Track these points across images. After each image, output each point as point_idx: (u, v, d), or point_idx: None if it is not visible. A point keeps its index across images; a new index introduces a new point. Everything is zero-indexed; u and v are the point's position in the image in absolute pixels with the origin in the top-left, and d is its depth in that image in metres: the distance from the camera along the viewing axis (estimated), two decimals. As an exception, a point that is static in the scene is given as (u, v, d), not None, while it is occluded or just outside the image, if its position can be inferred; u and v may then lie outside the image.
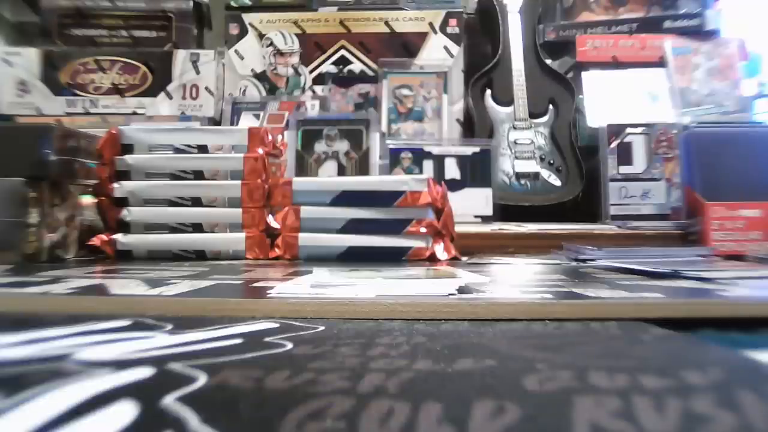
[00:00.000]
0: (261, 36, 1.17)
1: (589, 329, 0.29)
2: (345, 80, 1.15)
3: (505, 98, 1.13)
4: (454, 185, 0.98)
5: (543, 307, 0.33)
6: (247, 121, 1.11)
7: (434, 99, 1.13)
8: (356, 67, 1.16)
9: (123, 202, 0.69)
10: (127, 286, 0.41)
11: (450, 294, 0.37)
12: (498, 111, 1.12)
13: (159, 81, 1.10)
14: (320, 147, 1.05)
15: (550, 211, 1.03)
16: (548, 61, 1.17)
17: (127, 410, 0.17)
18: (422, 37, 1.16)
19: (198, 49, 1.13)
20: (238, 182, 0.69)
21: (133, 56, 1.11)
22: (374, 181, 0.74)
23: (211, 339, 0.27)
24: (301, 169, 1.04)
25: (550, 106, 1.12)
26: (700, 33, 1.13)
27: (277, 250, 0.67)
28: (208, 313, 0.33)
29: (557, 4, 1.22)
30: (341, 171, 1.04)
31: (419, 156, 1.01)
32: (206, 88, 1.10)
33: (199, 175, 0.70)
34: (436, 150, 1.02)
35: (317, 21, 1.17)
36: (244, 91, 1.16)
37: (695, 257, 0.68)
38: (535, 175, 1.07)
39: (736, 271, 0.54)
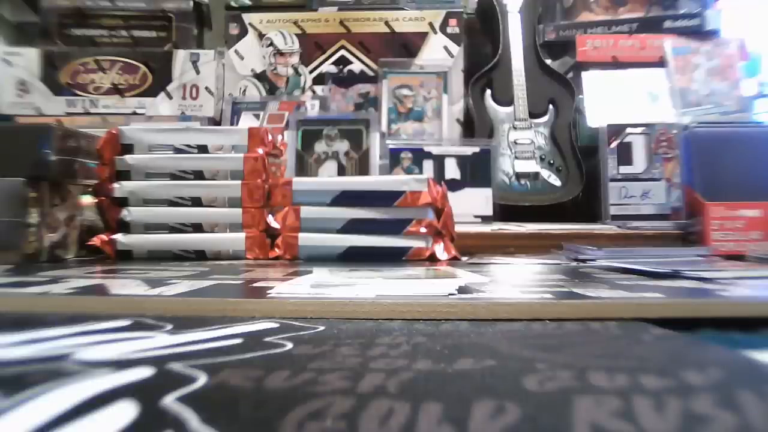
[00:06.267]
0: (261, 36, 1.17)
1: (589, 329, 0.29)
2: (345, 80, 1.15)
3: (505, 98, 1.13)
4: (454, 185, 0.98)
5: (543, 307, 0.33)
6: (247, 121, 1.11)
7: (434, 99, 1.13)
8: (356, 67, 1.16)
9: (123, 202, 0.69)
10: (127, 286, 0.41)
11: (450, 294, 0.37)
12: (498, 111, 1.12)
13: (159, 81, 1.10)
14: (320, 147, 1.05)
15: (550, 211, 1.03)
16: (548, 61, 1.17)
17: (127, 410, 0.17)
18: (422, 37, 1.16)
19: (198, 49, 1.13)
20: (238, 182, 0.69)
21: (133, 56, 1.11)
22: (374, 181, 0.74)
23: (211, 339, 0.27)
24: (301, 169, 1.04)
25: (550, 106, 1.12)
26: (700, 33, 1.13)
27: (277, 250, 0.67)
28: (208, 313, 0.33)
29: (557, 4, 1.22)
30: (341, 171, 1.04)
31: (419, 156, 1.01)
32: (206, 88, 1.10)
33: (199, 175, 0.70)
34: (436, 150, 1.02)
35: (317, 21, 1.17)
36: (244, 91, 1.16)
37: (695, 257, 0.68)
38: (535, 175, 1.07)
39: (736, 271, 0.54)
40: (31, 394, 0.18)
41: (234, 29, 1.18)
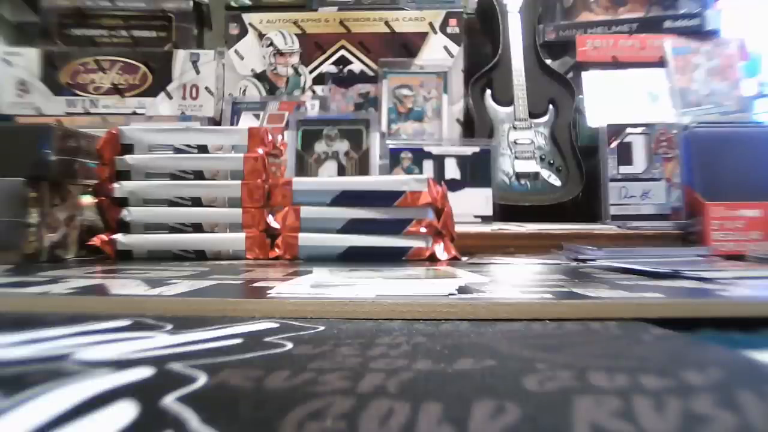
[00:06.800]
0: (261, 36, 1.17)
1: (589, 329, 0.29)
2: (345, 80, 1.15)
3: (505, 98, 1.13)
4: (454, 185, 0.98)
5: (543, 307, 0.33)
6: (247, 121, 1.11)
7: (434, 99, 1.13)
8: (356, 67, 1.16)
9: (123, 202, 0.69)
10: (127, 286, 0.41)
11: (450, 294, 0.37)
12: (498, 111, 1.12)
13: (159, 81, 1.10)
14: (320, 147, 1.05)
15: (550, 211, 1.03)
16: (548, 61, 1.17)
17: (127, 410, 0.17)
18: (422, 37, 1.16)
19: (198, 49, 1.13)
20: (238, 182, 0.69)
21: (133, 56, 1.11)
22: (374, 181, 0.74)
23: (211, 339, 0.27)
24: (301, 169, 1.04)
25: (550, 106, 1.12)
26: (700, 33, 1.13)
27: (277, 250, 0.67)
28: (208, 313, 0.33)
29: (557, 4, 1.22)
30: (341, 171, 1.04)
31: (419, 156, 1.01)
32: (206, 88, 1.10)
33: (199, 175, 0.70)
34: (436, 150, 1.02)
35: (317, 21, 1.17)
36: (244, 91, 1.16)
37: (695, 257, 0.68)
38: (535, 175, 1.07)
39: (736, 271, 0.54)
40: (31, 394, 0.18)
41: (234, 29, 1.18)
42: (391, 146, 1.02)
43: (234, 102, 1.13)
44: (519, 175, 1.07)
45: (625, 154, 0.97)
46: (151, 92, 1.10)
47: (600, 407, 0.17)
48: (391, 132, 1.12)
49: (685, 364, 0.22)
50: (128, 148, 0.70)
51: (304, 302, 0.34)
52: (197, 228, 0.69)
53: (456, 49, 1.16)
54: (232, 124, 1.11)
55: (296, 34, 1.17)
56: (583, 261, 0.63)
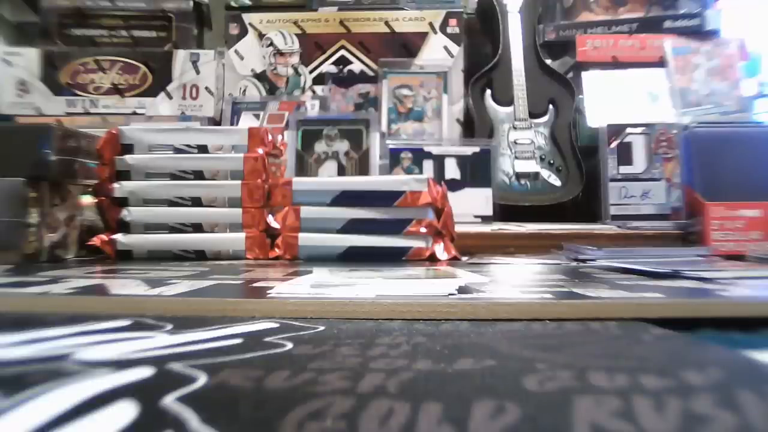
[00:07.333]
0: (261, 36, 1.17)
1: (589, 329, 0.29)
2: (345, 80, 1.15)
3: (505, 98, 1.13)
4: (454, 185, 0.98)
5: (543, 307, 0.33)
6: (247, 121, 1.11)
7: (434, 99, 1.13)
8: (356, 67, 1.16)
9: (123, 202, 0.69)
10: (127, 286, 0.41)
11: (450, 294, 0.37)
12: (498, 111, 1.12)
13: (159, 81, 1.10)
14: (320, 147, 1.05)
15: (550, 211, 1.03)
16: (548, 61, 1.17)
17: (127, 410, 0.17)
18: (422, 37, 1.16)
19: (198, 49, 1.13)
20: (238, 182, 0.69)
21: (133, 56, 1.11)
22: (374, 181, 0.74)
23: (211, 339, 0.27)
24: (301, 169, 1.04)
25: (550, 106, 1.12)
26: (700, 33, 1.13)
27: (277, 250, 0.67)
28: (208, 313, 0.33)
29: (557, 4, 1.22)
30: (341, 171, 1.04)
31: (419, 156, 1.01)
32: (206, 88, 1.10)
33: (199, 175, 0.70)
34: (436, 150, 1.02)
35: (317, 21, 1.17)
36: (244, 91, 1.16)
37: (695, 257, 0.68)
38: (535, 175, 1.07)
39: (736, 271, 0.54)
40: (31, 394, 0.18)
41: (234, 29, 1.18)
42: (391, 146, 1.02)
43: (234, 102, 1.13)
44: (519, 175, 1.07)
45: (625, 154, 0.97)
46: (151, 92, 1.10)
47: (600, 407, 0.17)
48: (391, 132, 1.12)
49: (685, 364, 0.22)
50: (128, 148, 0.70)
51: (304, 302, 0.34)
52: (197, 228, 0.69)
53: (456, 49, 1.16)
54: (232, 124, 1.11)
55: (296, 34, 1.17)
56: (583, 261, 0.63)
